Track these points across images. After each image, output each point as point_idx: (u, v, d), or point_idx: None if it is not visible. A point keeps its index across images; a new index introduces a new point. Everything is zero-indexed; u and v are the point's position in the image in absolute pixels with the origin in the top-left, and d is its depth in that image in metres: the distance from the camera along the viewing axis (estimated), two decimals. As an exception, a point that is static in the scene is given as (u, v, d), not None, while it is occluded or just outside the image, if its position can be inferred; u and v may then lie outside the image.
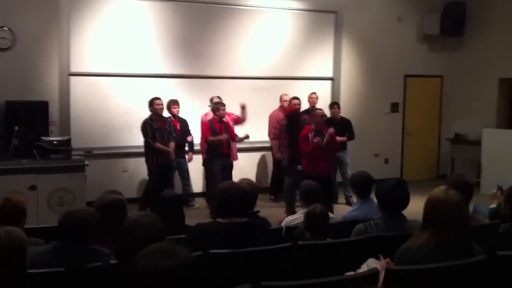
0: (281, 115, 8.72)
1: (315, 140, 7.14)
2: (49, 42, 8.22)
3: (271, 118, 8.95)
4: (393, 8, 10.82)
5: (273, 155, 9.04)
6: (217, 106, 8.05)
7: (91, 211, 3.16)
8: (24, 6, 8.03)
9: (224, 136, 7.91)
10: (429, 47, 11.31)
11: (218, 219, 3.44)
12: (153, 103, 7.83)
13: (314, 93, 9.26)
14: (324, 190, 5.36)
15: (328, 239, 3.83)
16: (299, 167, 7.44)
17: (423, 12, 11.02)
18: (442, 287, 2.70)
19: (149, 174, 7.93)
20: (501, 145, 9.47)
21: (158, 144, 7.70)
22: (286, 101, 8.88)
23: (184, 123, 8.49)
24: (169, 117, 8.25)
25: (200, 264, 1.47)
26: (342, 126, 8.74)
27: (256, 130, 8.99)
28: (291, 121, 7.99)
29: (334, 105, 9.12)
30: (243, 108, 8.51)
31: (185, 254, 1.44)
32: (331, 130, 7.39)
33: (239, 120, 8.55)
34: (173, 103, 8.37)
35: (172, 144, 7.88)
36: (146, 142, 7.79)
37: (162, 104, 7.90)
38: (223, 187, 3.56)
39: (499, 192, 4.98)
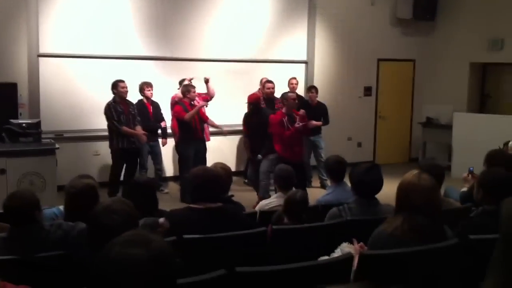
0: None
1: (296, 125, 7.13)
2: (17, 22, 8.02)
3: None
4: (367, -9, 10.82)
5: None
6: (187, 88, 7.92)
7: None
8: (-9, -15, 7.82)
9: (202, 103, 7.89)
10: (402, 31, 11.36)
11: (192, 205, 3.42)
12: (117, 86, 7.57)
13: (294, 78, 9.17)
14: (298, 175, 5.38)
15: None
16: (259, 156, 7.49)
17: (396, -4, 11.05)
18: (415, 271, 2.72)
19: (114, 159, 7.74)
20: (471, 129, 9.60)
21: (125, 128, 7.50)
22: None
23: (157, 107, 8.39)
24: (141, 99, 8.17)
25: (175, 251, 1.44)
26: (318, 110, 8.75)
27: (231, 112, 8.95)
28: (254, 109, 7.95)
29: (312, 89, 9.07)
30: (206, 82, 8.34)
31: (160, 242, 1.41)
32: (302, 112, 7.39)
33: (208, 97, 8.37)
34: (147, 85, 8.23)
35: (138, 128, 7.68)
36: (110, 125, 7.58)
37: (126, 87, 7.62)
38: (196, 172, 3.54)
39: (470, 175, 5.06)
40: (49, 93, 8.27)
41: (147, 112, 8.23)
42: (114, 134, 7.58)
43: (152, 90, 8.26)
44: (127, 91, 7.66)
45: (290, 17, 10.10)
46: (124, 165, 7.75)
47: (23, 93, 8.03)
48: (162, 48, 9.03)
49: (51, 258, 2.84)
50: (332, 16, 10.50)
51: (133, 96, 8.01)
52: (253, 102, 8.04)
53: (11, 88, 7.75)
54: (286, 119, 7.20)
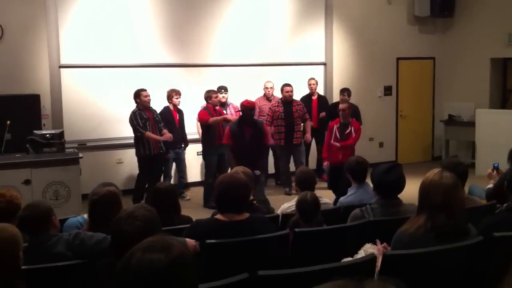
0: (264, 102, 8.89)
1: (337, 144, 7.41)
2: (38, 34, 8.14)
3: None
4: (383, -10, 10.77)
5: None
6: (208, 94, 8.01)
7: (43, 202, 3.22)
8: (11, -1, 7.95)
9: (231, 117, 7.95)
10: (420, 29, 11.28)
11: (217, 217, 3.36)
12: (140, 95, 7.60)
13: (313, 78, 9.37)
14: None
15: (324, 225, 3.83)
16: (257, 172, 6.98)
17: (413, -7, 10.98)
18: (439, 270, 2.70)
19: (140, 166, 7.80)
20: (494, 125, 9.49)
21: (148, 133, 7.54)
22: (268, 88, 8.98)
23: (182, 115, 8.41)
24: (167, 106, 8.21)
25: (197, 258, 1.45)
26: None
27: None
28: (243, 117, 7.43)
29: (344, 92, 9.05)
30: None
31: (182, 249, 1.42)
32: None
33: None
34: (176, 93, 8.21)
35: (165, 131, 7.74)
36: (136, 133, 7.62)
37: (148, 96, 7.65)
38: (222, 180, 3.42)
39: (495, 171, 5.00)
40: (71, 103, 8.37)
41: (173, 119, 8.23)
42: (140, 142, 7.61)
43: (180, 97, 8.26)
44: (149, 100, 7.69)
45: (306, 19, 10.09)
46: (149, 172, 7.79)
47: (46, 104, 8.15)
48: (181, 55, 9.09)
49: (67, 267, 2.89)
50: (349, 16, 10.47)
51: (154, 104, 8.06)
52: (244, 110, 7.43)
53: (34, 100, 7.86)
54: (337, 126, 7.51)
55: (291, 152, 8.56)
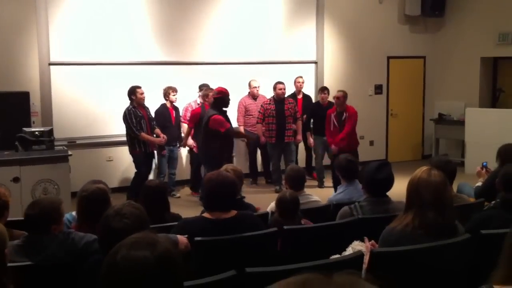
0: (250, 101, 8.98)
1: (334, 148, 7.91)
2: (28, 32, 8.10)
3: (239, 104, 9.02)
4: (374, -11, 10.80)
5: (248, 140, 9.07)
6: (206, 92, 8.00)
7: (56, 200, 3.15)
8: (1, -4, 7.91)
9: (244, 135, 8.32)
10: (411, 28, 11.32)
11: (205, 215, 3.36)
12: (135, 92, 7.60)
13: (301, 77, 9.34)
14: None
15: (302, 222, 3.84)
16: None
17: (404, -7, 11.02)
18: (426, 267, 2.72)
19: (137, 163, 7.77)
20: (484, 124, 9.54)
21: (144, 135, 7.57)
22: (254, 87, 9.01)
23: (178, 112, 8.41)
24: (164, 104, 8.19)
25: (182, 255, 1.45)
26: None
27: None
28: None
29: (324, 90, 9.08)
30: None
31: (167, 245, 1.42)
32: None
33: None
34: (172, 90, 8.18)
35: (157, 131, 7.80)
36: (130, 131, 7.63)
37: (143, 93, 7.67)
38: (210, 177, 3.42)
39: (484, 169, 5.04)
40: (61, 100, 8.33)
41: (170, 116, 8.21)
42: (136, 140, 7.62)
43: (176, 94, 8.25)
44: (144, 97, 7.72)
45: (298, 18, 10.10)
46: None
47: (35, 101, 8.10)
48: (172, 53, 9.07)
49: (58, 266, 2.89)
50: (340, 15, 10.49)
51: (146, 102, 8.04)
52: (219, 96, 7.21)
53: (24, 97, 7.82)
54: (334, 114, 8.02)
55: (282, 150, 8.57)
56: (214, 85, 8.20)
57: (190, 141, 8.13)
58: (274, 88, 8.59)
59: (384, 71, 11.18)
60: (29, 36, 8.10)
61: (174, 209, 4.17)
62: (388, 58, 11.15)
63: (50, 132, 6.91)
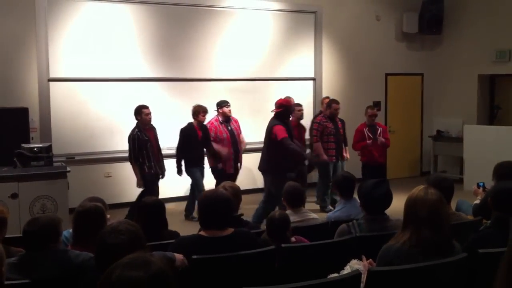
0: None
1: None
2: (28, 48, 8.14)
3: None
4: (372, 7, 10.89)
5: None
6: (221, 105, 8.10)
7: (55, 218, 3.14)
8: (0, 12, 7.94)
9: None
10: (408, 46, 11.40)
11: (201, 233, 3.35)
12: (141, 112, 7.34)
13: (328, 97, 9.26)
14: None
15: (294, 239, 3.82)
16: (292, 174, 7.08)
17: (401, 11, 11.10)
18: (424, 286, 2.71)
19: (145, 184, 7.43)
20: (482, 141, 9.55)
21: (135, 167, 7.35)
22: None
23: (205, 131, 7.99)
24: (191, 123, 7.87)
25: (179, 272, 1.46)
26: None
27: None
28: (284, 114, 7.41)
29: (374, 107, 9.23)
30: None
31: (161, 265, 1.43)
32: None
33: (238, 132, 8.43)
34: (203, 111, 7.86)
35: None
36: (129, 155, 7.41)
37: (150, 113, 7.40)
38: (206, 195, 3.41)
39: (481, 188, 5.04)
40: (60, 116, 8.35)
41: (196, 136, 7.84)
42: (141, 161, 7.36)
43: (206, 115, 7.95)
44: (151, 118, 7.45)
45: (296, 35, 10.17)
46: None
47: (34, 117, 8.12)
48: (171, 69, 9.11)
49: (54, 283, 2.87)
50: (338, 32, 10.56)
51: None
52: (280, 110, 7.27)
53: (23, 113, 7.82)
54: (367, 129, 8.45)
55: (333, 168, 8.52)
56: (212, 102, 8.22)
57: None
58: (329, 106, 8.55)
59: (382, 88, 11.23)
60: (28, 52, 8.14)
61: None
62: (386, 75, 11.21)
63: (49, 148, 6.92)
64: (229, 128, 8.17)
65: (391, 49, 11.14)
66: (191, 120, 7.95)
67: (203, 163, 8.06)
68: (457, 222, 3.98)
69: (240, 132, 8.41)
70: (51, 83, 8.30)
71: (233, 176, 8.09)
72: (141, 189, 7.50)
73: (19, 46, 8.10)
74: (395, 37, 11.24)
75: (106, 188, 8.46)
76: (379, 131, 8.55)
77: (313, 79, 10.42)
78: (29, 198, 6.41)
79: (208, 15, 9.33)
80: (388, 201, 3.88)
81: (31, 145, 6.97)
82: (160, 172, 7.57)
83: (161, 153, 7.69)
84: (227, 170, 8.01)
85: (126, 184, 8.48)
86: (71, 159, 8.22)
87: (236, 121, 8.39)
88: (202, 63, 9.32)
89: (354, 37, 10.69)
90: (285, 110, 7.29)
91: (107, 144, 8.59)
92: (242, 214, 4.37)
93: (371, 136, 8.46)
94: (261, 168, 7.41)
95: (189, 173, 7.95)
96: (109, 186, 8.63)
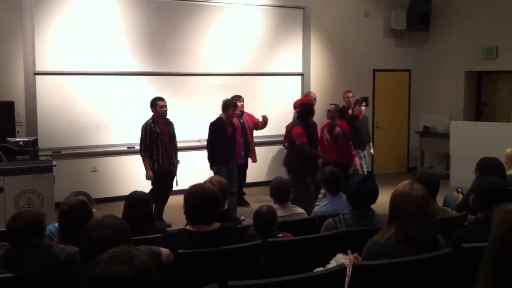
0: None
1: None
2: (13, 41, 8.06)
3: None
4: (360, 4, 10.90)
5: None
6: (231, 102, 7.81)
7: (39, 213, 3.11)
8: (-13, 5, 7.87)
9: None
10: (396, 42, 11.44)
11: (188, 227, 3.36)
12: (156, 104, 7.15)
13: (350, 91, 9.61)
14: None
15: (280, 235, 3.83)
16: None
17: (390, 7, 11.13)
18: (409, 281, 2.73)
19: (152, 182, 7.25)
20: (468, 137, 9.61)
21: (145, 159, 7.16)
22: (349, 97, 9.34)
23: (235, 128, 7.80)
24: (220, 118, 7.59)
25: (165, 267, 1.45)
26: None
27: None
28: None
29: (362, 102, 9.23)
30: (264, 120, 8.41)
31: (143, 258, 1.42)
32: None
33: (258, 124, 8.50)
34: (234, 106, 7.60)
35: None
36: (140, 146, 7.24)
37: (165, 106, 7.17)
38: (191, 190, 3.39)
39: (460, 194, 5.09)
40: (46, 110, 8.29)
41: (225, 131, 7.55)
42: (150, 156, 7.17)
43: (236, 110, 7.78)
44: (166, 110, 7.22)
45: (285, 30, 10.15)
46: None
47: (20, 111, 8.05)
48: (158, 64, 9.07)
49: (39, 279, 2.85)
50: (327, 28, 10.57)
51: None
52: (301, 110, 7.24)
53: (8, 107, 7.75)
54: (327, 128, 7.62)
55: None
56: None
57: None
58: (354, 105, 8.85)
59: (370, 84, 11.27)
60: (14, 45, 8.06)
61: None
62: (374, 71, 11.24)
63: (35, 142, 6.87)
64: (241, 121, 8.26)
65: (379, 45, 11.17)
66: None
67: (232, 160, 7.66)
68: (443, 217, 4.00)
69: (255, 121, 8.51)
70: (37, 76, 8.22)
71: (243, 167, 8.27)
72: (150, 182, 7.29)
73: (4, 39, 8.01)
74: (383, 34, 11.27)
75: (92, 182, 8.41)
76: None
77: (301, 74, 10.42)
78: (14, 192, 6.37)
79: (196, 9, 9.29)
80: (374, 196, 3.91)
81: (17, 139, 6.91)
82: (168, 167, 7.25)
83: (175, 149, 7.39)
84: (237, 161, 7.92)
85: (112, 178, 8.46)
86: (57, 153, 8.17)
87: (250, 115, 8.50)
88: (191, 57, 9.29)
89: (342, 33, 10.70)
90: (306, 109, 7.13)
91: (93, 138, 8.54)
92: (228, 209, 4.37)
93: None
94: (284, 164, 7.35)
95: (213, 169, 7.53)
96: (95, 180, 8.58)
